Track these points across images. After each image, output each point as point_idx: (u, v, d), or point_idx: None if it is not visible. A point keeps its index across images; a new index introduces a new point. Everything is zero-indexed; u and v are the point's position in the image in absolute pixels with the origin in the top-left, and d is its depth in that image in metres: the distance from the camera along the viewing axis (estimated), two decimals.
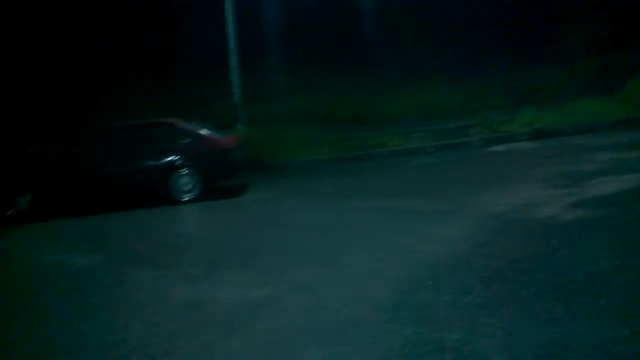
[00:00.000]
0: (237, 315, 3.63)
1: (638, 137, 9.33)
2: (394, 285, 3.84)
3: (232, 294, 4.05)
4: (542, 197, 5.98)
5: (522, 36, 15.50)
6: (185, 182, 8.23)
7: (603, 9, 17.63)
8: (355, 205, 6.71)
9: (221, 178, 8.67)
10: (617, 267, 3.64)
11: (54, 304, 4.32)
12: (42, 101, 14.41)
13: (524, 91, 13.22)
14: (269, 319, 3.51)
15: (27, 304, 4.44)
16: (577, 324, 2.90)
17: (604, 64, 14.04)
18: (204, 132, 8.68)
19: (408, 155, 10.13)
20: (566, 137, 10.20)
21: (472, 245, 4.51)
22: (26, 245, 6.76)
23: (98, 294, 4.42)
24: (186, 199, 8.14)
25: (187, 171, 8.22)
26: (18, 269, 5.67)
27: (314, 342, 3.08)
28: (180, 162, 8.29)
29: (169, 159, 8.33)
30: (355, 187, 8.00)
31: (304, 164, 10.46)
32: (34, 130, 11.95)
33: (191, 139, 8.52)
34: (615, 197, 5.60)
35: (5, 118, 12.82)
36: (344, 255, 4.69)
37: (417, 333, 3.00)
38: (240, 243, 5.59)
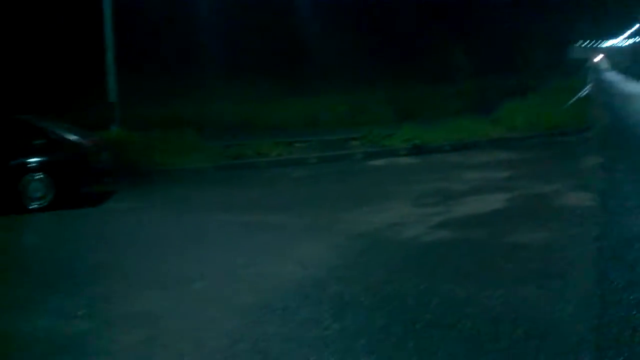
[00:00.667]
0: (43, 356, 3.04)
1: (509, 157, 9.82)
2: (240, 315, 3.46)
3: (47, 327, 3.43)
4: (412, 215, 5.93)
5: (409, 55, 16.00)
6: (37, 187, 7.25)
7: (485, 37, 18.74)
8: (223, 218, 6.24)
9: (81, 184, 7.78)
10: (468, 297, 3.52)
11: None
12: None
13: (408, 107, 13.57)
14: None
15: None
16: None
17: (482, 86, 14.82)
18: (61, 132, 7.77)
19: (289, 165, 9.84)
20: (443, 154, 10.50)
21: (332, 268, 4.25)
22: None
23: None
24: (36, 206, 7.17)
25: (39, 175, 7.27)
26: None
27: None
28: (31, 165, 7.33)
29: (19, 160, 7.32)
30: (228, 199, 7.52)
31: (181, 171, 9.78)
32: None
33: (46, 139, 7.57)
34: (479, 218, 5.67)
35: None
36: (194, 278, 4.21)
37: None
38: (80, 262, 4.90)
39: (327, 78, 14.79)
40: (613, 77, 64.82)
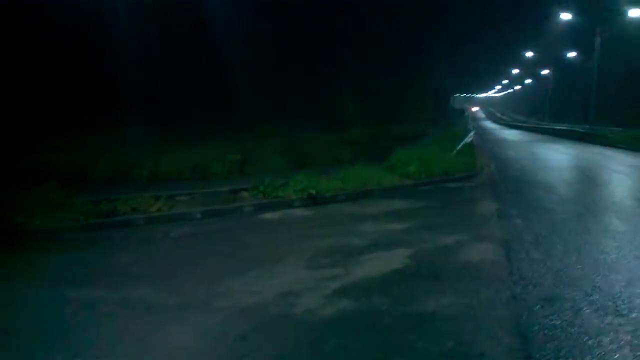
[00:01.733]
0: None
1: (405, 205, 9.46)
2: None
3: None
4: (307, 280, 5.13)
5: (301, 104, 15.65)
6: None
7: (374, 88, 19.09)
8: (74, 295, 5.00)
9: None
10: None
11: None
12: None
13: (302, 156, 13.01)
14: None
15: None
16: None
17: (374, 135, 14.68)
18: None
19: (170, 222, 8.68)
20: (339, 203, 9.93)
21: None
22: None
23: None
24: None
25: None
26: None
27: None
28: None
29: None
30: (87, 267, 6.23)
31: (39, 232, 8.25)
32: None
33: None
34: (381, 281, 5.00)
35: None
36: None
37: None
38: None
39: (216, 125, 13.89)
40: (489, 125, 70.61)
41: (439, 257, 5.85)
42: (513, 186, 11.70)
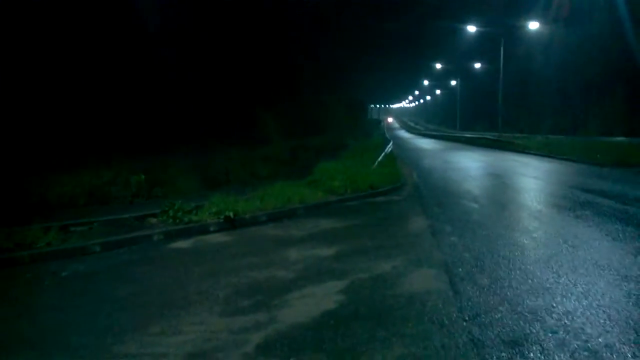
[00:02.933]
0: None
1: (332, 225, 8.72)
2: None
3: None
4: (222, 334, 4.17)
5: (215, 119, 14.57)
6: None
7: (292, 101, 18.47)
8: None
9: None
10: None
11: None
12: None
13: (218, 174, 11.92)
14: None
15: None
16: None
17: (295, 147, 13.87)
18: None
19: (63, 258, 7.33)
20: (260, 226, 9.00)
21: None
22: None
23: None
24: None
25: None
26: None
27: None
28: None
29: None
30: None
31: None
32: None
33: None
34: (312, 329, 4.15)
35: None
36: None
37: None
38: None
39: (119, 145, 12.47)
40: (404, 134, 72.49)
41: (378, 290, 5.09)
42: (440, 198, 11.35)
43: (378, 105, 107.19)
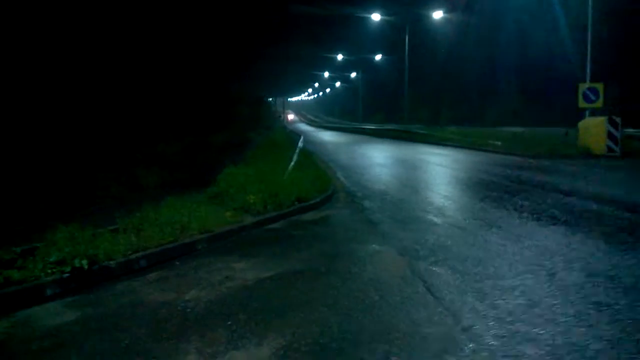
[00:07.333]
0: None
1: (254, 275, 5.46)
2: None
3: None
4: None
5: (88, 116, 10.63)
6: None
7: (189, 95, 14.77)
8: None
9: None
10: None
11: None
12: None
13: (77, 190, 8.05)
14: None
15: None
16: None
17: (191, 145, 10.26)
18: None
19: None
20: (134, 280, 5.46)
21: None
22: None
23: None
24: None
25: None
26: None
27: None
28: None
29: None
30: None
31: None
32: None
33: None
34: None
35: None
36: None
37: None
38: None
39: None
40: (305, 127, 70.03)
41: None
42: (389, 210, 8.51)
43: (276, 98, 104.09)
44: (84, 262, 5.42)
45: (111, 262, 5.65)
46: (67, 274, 5.29)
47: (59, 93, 11.11)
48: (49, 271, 5.30)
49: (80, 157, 9.26)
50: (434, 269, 5.26)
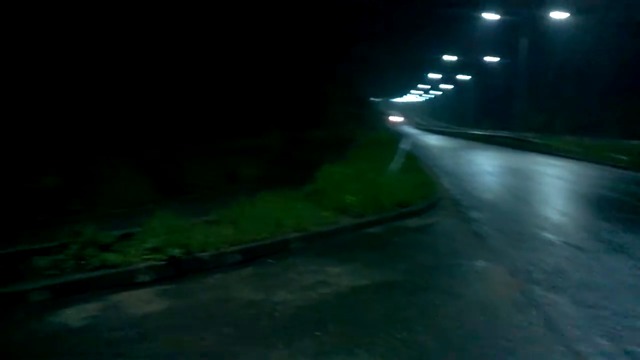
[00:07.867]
0: None
1: (352, 283, 5.12)
2: None
3: None
4: None
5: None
6: None
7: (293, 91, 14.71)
8: None
9: None
10: None
11: None
12: None
13: (176, 177, 8.18)
14: None
15: None
16: None
17: (289, 140, 10.10)
18: None
19: None
20: (227, 274, 5.34)
21: None
22: None
23: None
24: None
25: None
26: None
27: None
28: None
29: None
30: None
31: None
32: None
33: None
34: None
35: None
36: None
37: None
38: None
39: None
40: (411, 130, 68.65)
41: None
42: (498, 223, 7.76)
43: (382, 98, 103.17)
44: (179, 251, 5.38)
45: (204, 254, 5.57)
46: (163, 262, 5.27)
47: (167, 82, 11.52)
48: (144, 257, 5.31)
49: (175, 143, 9.43)
50: (551, 296, 4.57)
